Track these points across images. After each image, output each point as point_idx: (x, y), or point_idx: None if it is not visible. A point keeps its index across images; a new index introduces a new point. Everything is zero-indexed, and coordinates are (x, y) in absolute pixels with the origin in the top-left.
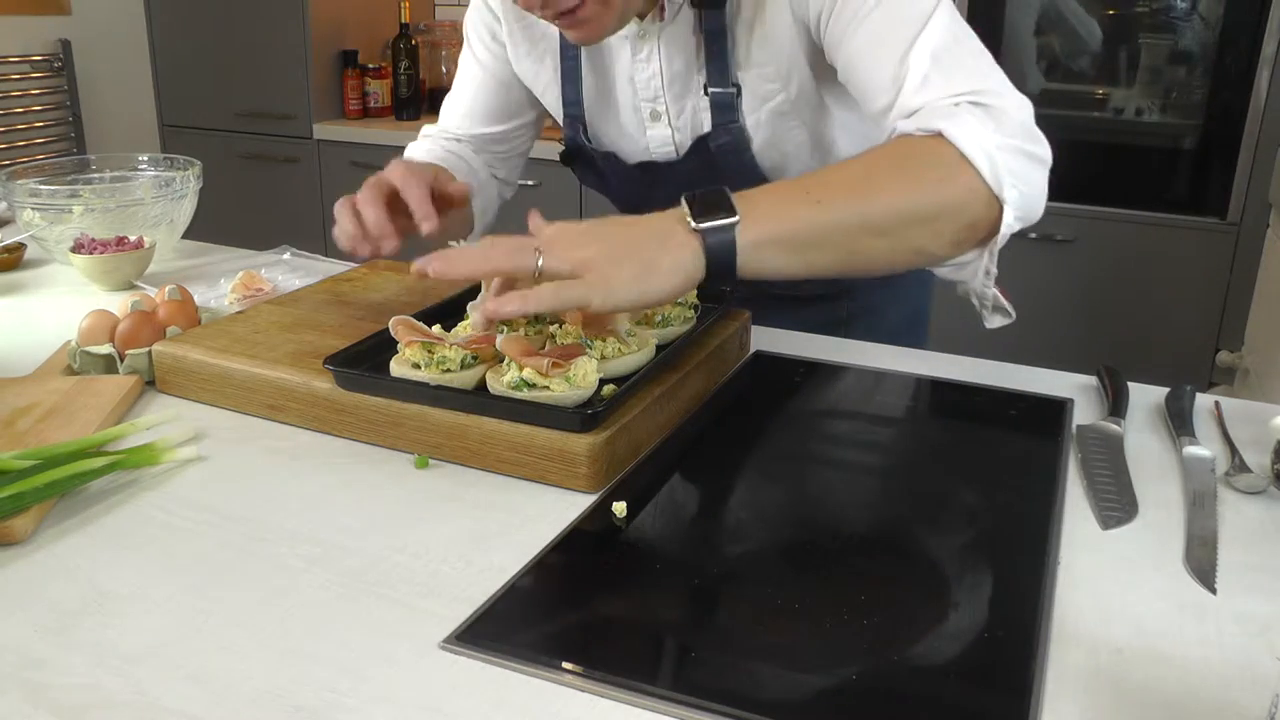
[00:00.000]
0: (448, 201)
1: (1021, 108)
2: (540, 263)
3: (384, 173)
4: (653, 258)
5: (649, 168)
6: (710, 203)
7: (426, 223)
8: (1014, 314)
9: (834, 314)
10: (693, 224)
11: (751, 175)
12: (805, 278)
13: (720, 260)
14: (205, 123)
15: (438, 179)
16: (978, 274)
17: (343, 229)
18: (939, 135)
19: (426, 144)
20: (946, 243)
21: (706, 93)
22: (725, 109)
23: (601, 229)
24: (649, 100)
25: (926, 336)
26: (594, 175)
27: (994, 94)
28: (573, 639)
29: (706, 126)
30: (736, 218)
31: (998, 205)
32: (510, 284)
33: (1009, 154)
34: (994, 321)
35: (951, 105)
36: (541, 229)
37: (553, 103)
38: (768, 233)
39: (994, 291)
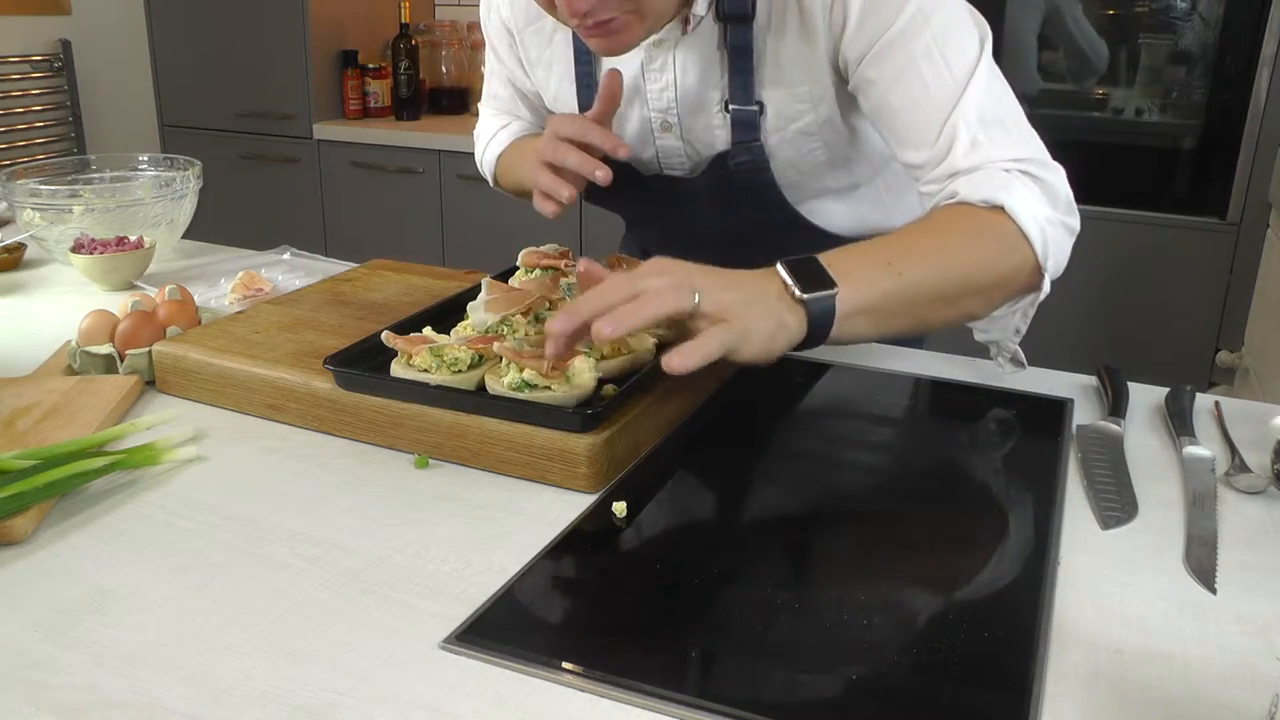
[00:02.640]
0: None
1: (1063, 180)
2: (697, 300)
3: (559, 128)
4: (777, 316)
5: (662, 181)
6: (810, 274)
7: (622, 149)
8: (1026, 365)
9: None
10: (799, 294)
11: (768, 193)
12: (876, 339)
13: (818, 328)
14: (205, 123)
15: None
16: (1007, 331)
17: (549, 183)
18: (1001, 209)
19: (515, 125)
20: (991, 308)
21: (728, 110)
22: (747, 127)
23: (727, 276)
24: (660, 111)
25: (925, 343)
26: (604, 188)
27: (1042, 165)
28: (573, 639)
29: (722, 145)
30: (836, 290)
31: (1040, 274)
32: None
33: (1055, 227)
34: (1008, 369)
35: (1004, 172)
36: (660, 263)
37: (565, 110)
38: (858, 304)
39: (1015, 345)
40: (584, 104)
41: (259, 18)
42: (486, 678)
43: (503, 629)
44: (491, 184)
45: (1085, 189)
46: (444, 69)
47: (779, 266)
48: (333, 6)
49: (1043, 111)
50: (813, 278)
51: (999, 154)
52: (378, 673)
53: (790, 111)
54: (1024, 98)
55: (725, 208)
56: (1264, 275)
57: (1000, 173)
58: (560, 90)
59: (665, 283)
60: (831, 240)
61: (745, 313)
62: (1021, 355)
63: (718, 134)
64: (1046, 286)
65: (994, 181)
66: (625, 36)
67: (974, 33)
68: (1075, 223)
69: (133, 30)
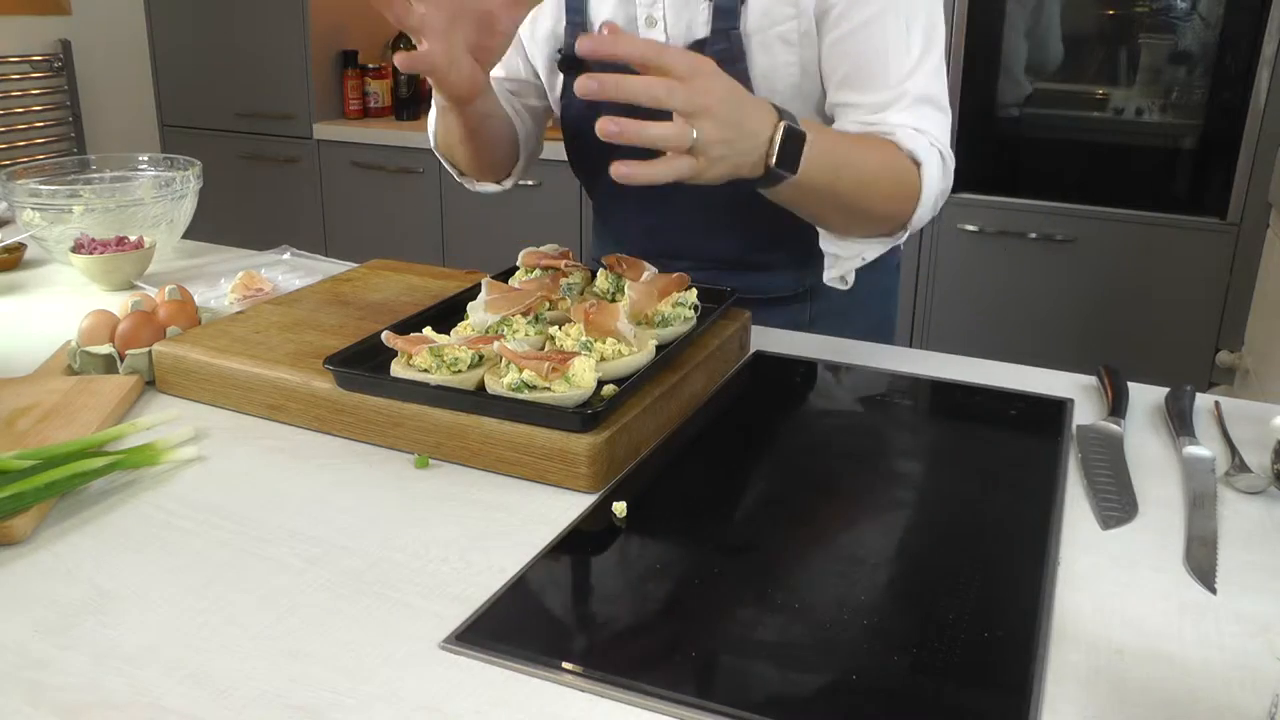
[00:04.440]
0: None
1: (953, 161)
2: (695, 135)
3: None
4: (748, 165)
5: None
6: (791, 150)
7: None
8: (851, 283)
9: (799, 316)
10: (771, 162)
11: None
12: (785, 208)
13: (765, 185)
14: (205, 123)
15: None
16: (855, 255)
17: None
18: (919, 166)
19: None
20: (858, 234)
21: None
22: (727, 14)
23: (735, 114)
24: (646, 5)
25: (894, 336)
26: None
27: (949, 152)
28: (573, 639)
29: (702, 33)
30: (795, 177)
31: (904, 228)
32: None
33: (938, 199)
34: (833, 281)
35: (929, 144)
36: (697, 62)
37: (550, 21)
38: (798, 182)
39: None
40: (570, 4)
41: (259, 18)
42: (486, 678)
43: (503, 629)
44: (436, 147)
45: (1085, 189)
46: None
47: (779, 126)
48: (333, 6)
49: (1042, 111)
50: (789, 156)
51: (931, 128)
52: (378, 673)
53: (776, 13)
54: (1020, 96)
55: None
56: (1264, 275)
57: (928, 143)
58: (539, 27)
59: (676, 131)
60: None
61: (722, 154)
62: (851, 275)
63: (698, 26)
64: (902, 240)
65: (920, 144)
66: None
67: (939, 18)
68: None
69: (133, 30)
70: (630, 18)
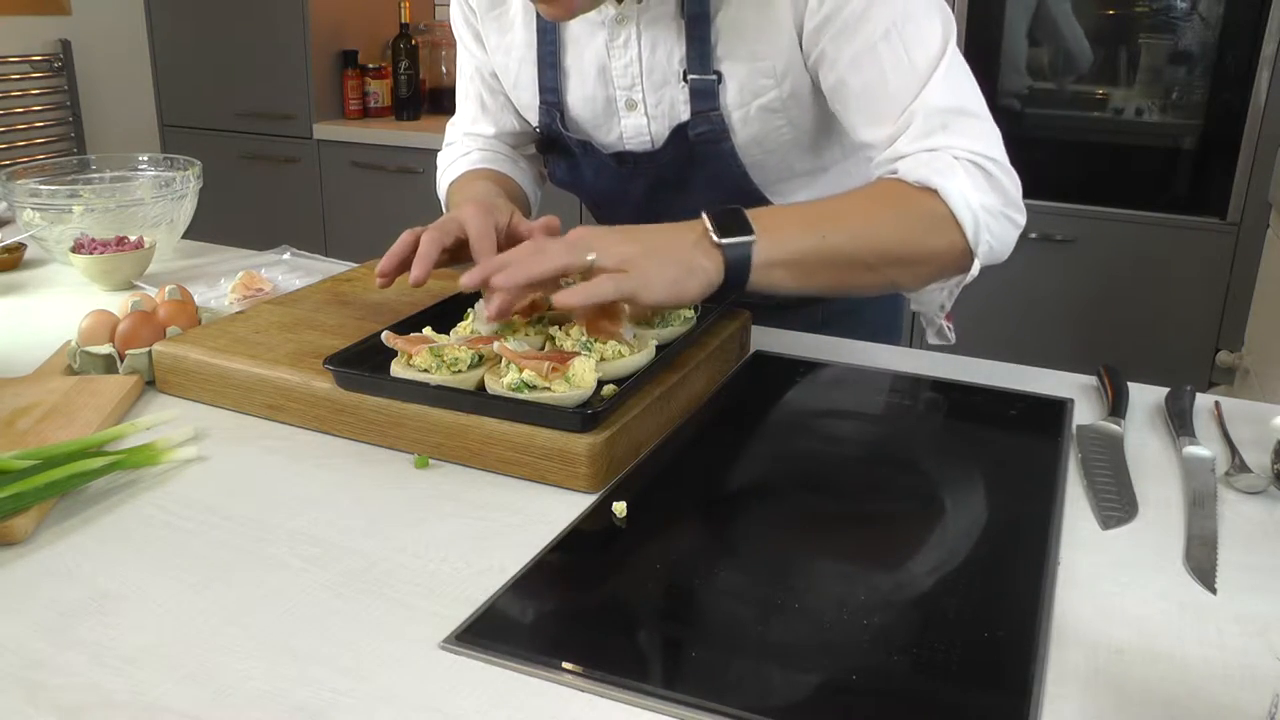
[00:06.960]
0: (516, 242)
1: (1015, 183)
2: (592, 258)
3: (462, 216)
4: (686, 262)
5: (625, 158)
6: (731, 222)
7: (466, 277)
8: (953, 340)
9: (811, 318)
10: (715, 239)
11: (731, 167)
12: (801, 295)
13: (737, 273)
14: (205, 123)
15: (512, 223)
16: (934, 305)
17: (392, 250)
18: (934, 191)
19: (475, 154)
20: (920, 282)
21: (685, 80)
22: (705, 96)
23: (636, 231)
24: (625, 89)
25: (902, 335)
26: (567, 167)
27: (995, 162)
28: (573, 639)
29: (684, 115)
30: (754, 237)
31: (971, 257)
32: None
33: (993, 215)
34: (933, 339)
35: (952, 159)
36: (577, 230)
37: (527, 95)
38: (776, 256)
39: (942, 321)
40: (546, 85)
41: (259, 18)
42: (486, 678)
43: (503, 629)
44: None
45: (1085, 189)
46: (444, 69)
47: (704, 214)
48: (333, 6)
49: (1042, 111)
50: (733, 225)
51: (953, 142)
52: (378, 673)
53: (754, 86)
54: (1020, 96)
55: (686, 186)
56: (1264, 275)
57: (948, 158)
58: (520, 74)
59: (558, 245)
60: None
61: (645, 262)
62: (948, 331)
63: (679, 107)
64: (975, 270)
65: (935, 165)
66: (570, 1)
67: (937, 20)
68: (1020, 218)
69: (133, 30)
70: (610, 99)
